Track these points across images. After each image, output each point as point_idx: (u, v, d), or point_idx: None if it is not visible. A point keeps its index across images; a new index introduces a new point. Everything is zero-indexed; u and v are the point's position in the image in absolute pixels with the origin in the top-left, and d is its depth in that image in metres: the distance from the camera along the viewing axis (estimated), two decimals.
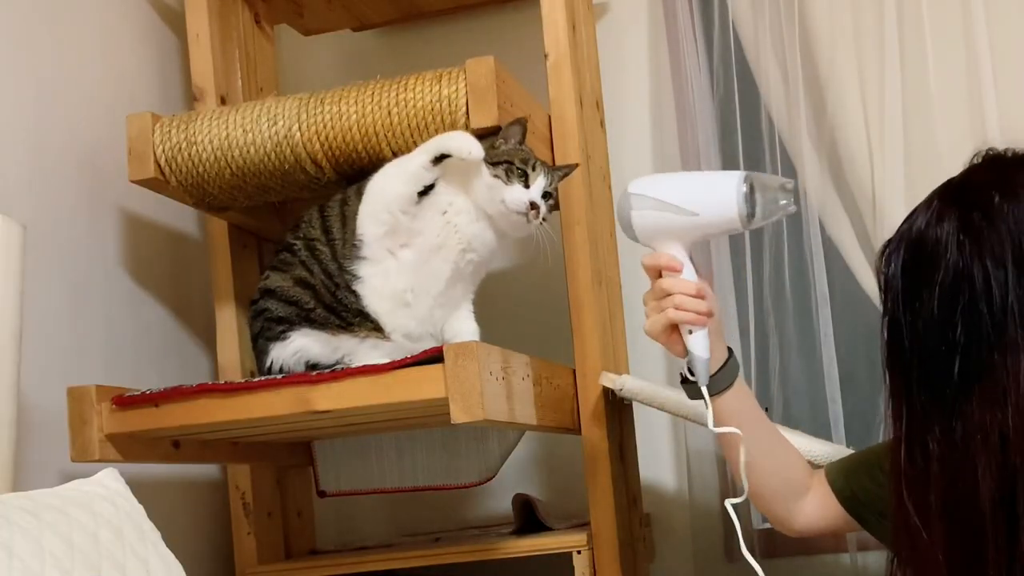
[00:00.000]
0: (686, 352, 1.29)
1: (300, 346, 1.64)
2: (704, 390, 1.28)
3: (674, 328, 1.28)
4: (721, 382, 1.32)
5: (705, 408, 1.29)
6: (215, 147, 1.72)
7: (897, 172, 1.98)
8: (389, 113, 1.64)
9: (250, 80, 2.10)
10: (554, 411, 1.72)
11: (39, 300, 1.70)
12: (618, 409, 1.88)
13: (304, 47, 2.41)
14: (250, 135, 1.70)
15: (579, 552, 1.72)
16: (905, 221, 1.21)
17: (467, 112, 1.60)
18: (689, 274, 1.27)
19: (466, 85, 1.61)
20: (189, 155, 1.73)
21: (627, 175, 2.23)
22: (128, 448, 1.61)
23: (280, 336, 1.65)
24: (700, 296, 1.26)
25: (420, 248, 1.61)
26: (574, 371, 1.81)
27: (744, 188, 1.21)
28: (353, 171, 1.71)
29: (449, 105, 1.61)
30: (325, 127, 1.67)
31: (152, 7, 2.13)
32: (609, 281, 1.94)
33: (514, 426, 1.79)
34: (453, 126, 1.61)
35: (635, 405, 1.95)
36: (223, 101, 2.00)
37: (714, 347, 1.29)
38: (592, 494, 1.76)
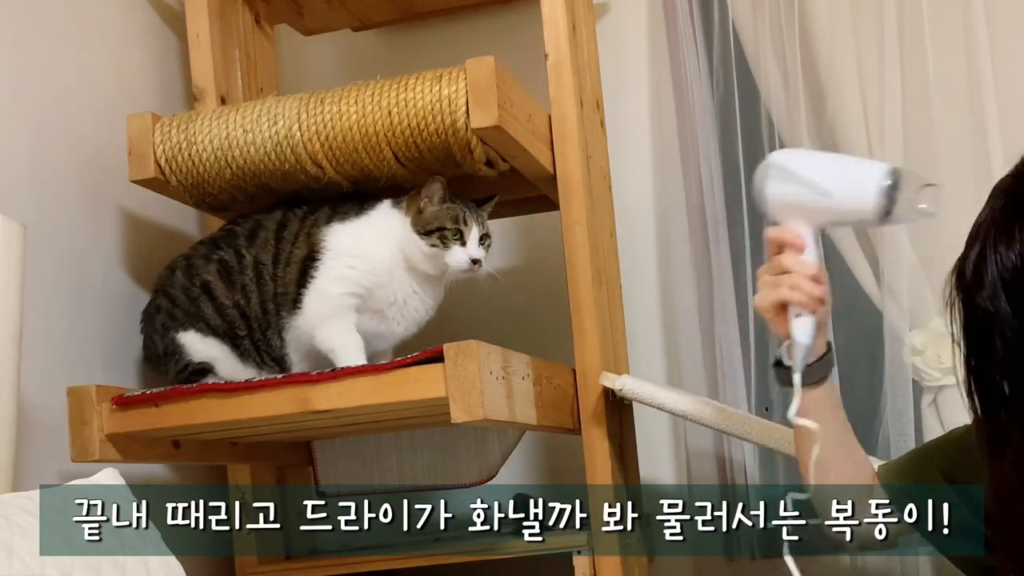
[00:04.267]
0: (787, 334, 1.25)
1: (208, 354, 1.72)
2: (797, 377, 1.24)
3: (783, 307, 1.24)
4: (814, 374, 1.28)
5: (793, 395, 1.24)
6: (215, 147, 1.72)
7: None
8: (389, 113, 1.64)
9: (250, 80, 2.10)
10: (554, 411, 1.72)
11: (39, 300, 1.70)
12: (618, 409, 1.88)
13: (304, 47, 2.41)
14: (250, 135, 1.70)
15: (579, 552, 1.72)
16: (979, 242, 1.11)
17: (467, 112, 1.60)
18: (811, 256, 1.23)
19: (466, 85, 1.60)
20: (189, 155, 1.73)
21: (627, 175, 2.24)
22: (128, 448, 1.61)
23: (197, 329, 1.72)
24: (818, 281, 1.23)
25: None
26: (574, 371, 1.80)
27: (887, 181, 1.16)
28: (354, 171, 1.71)
29: (449, 105, 1.61)
30: (325, 127, 1.67)
31: (152, 7, 2.13)
32: (609, 281, 1.94)
33: (514, 426, 1.79)
34: (453, 126, 1.61)
35: (635, 405, 1.95)
36: (223, 101, 2.00)
37: (815, 338, 1.26)
38: (592, 494, 1.76)
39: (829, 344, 1.31)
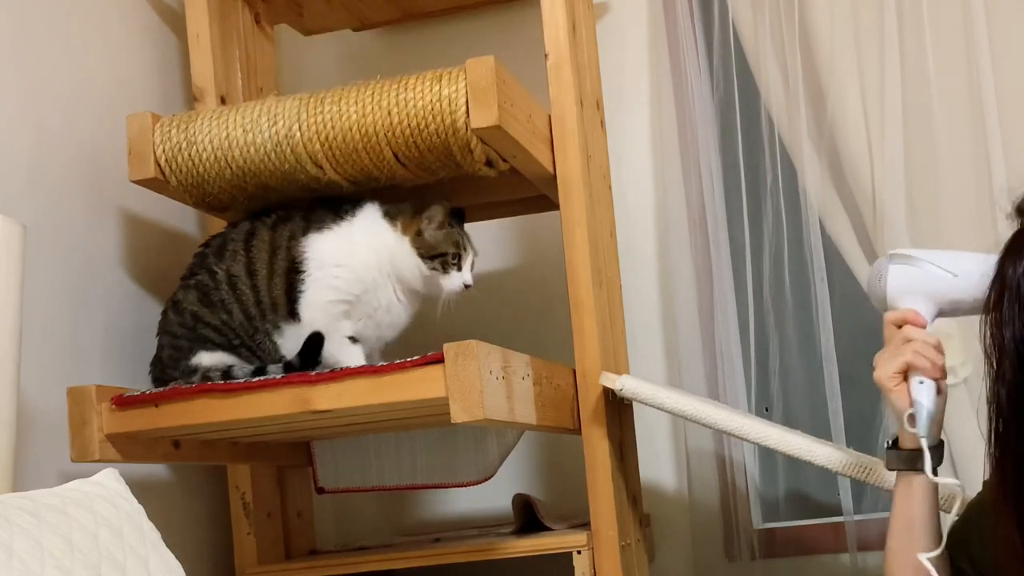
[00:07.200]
0: (908, 405, 1.27)
1: (224, 362, 1.71)
2: (923, 441, 1.26)
3: (904, 376, 1.28)
4: (919, 460, 1.27)
5: (924, 465, 1.26)
6: (215, 147, 1.72)
7: (897, 172, 1.98)
8: (389, 113, 1.64)
9: (250, 80, 2.10)
10: (554, 411, 1.72)
11: (39, 300, 1.70)
12: (618, 409, 1.88)
13: (304, 47, 2.41)
14: (250, 135, 1.70)
15: (579, 552, 1.72)
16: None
17: (467, 112, 1.60)
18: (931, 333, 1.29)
19: (466, 85, 1.60)
20: (189, 155, 1.73)
21: (627, 175, 2.24)
22: (128, 448, 1.61)
23: (205, 349, 1.72)
24: (939, 351, 1.27)
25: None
26: (574, 371, 1.80)
27: None
28: (354, 171, 1.71)
29: (449, 105, 1.61)
30: (325, 127, 1.67)
31: (152, 7, 2.13)
32: (609, 281, 1.94)
33: (514, 426, 1.79)
34: (453, 126, 1.61)
35: (635, 405, 1.95)
36: (223, 101, 2.00)
37: (934, 422, 1.27)
38: (592, 494, 1.76)
39: (942, 441, 1.31)
